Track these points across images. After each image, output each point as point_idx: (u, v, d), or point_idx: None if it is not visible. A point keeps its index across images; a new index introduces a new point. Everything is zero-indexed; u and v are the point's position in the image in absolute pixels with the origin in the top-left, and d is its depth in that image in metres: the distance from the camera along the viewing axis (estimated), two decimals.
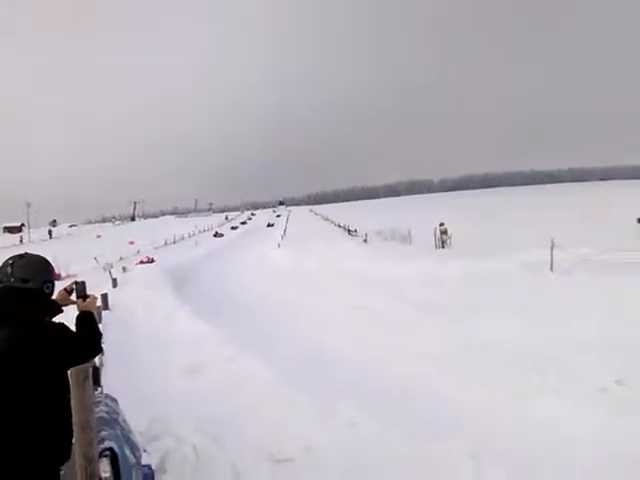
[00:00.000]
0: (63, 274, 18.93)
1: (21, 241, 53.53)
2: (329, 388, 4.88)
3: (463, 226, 23.16)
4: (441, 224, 20.45)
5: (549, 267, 11.32)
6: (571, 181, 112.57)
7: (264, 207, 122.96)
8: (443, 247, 19.91)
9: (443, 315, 8.73)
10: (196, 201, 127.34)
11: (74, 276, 16.80)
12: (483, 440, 3.59)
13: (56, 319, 1.84)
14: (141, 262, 21.39)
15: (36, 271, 1.80)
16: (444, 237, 20.22)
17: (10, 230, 73.84)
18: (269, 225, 52.86)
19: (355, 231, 31.83)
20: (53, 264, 2.03)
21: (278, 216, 75.49)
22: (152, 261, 21.48)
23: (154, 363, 5.89)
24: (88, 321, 1.90)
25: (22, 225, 72.57)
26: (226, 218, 77.97)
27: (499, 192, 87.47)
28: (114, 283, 12.44)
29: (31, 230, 62.31)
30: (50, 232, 63.92)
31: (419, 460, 3.04)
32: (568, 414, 4.36)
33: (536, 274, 10.96)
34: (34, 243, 49.72)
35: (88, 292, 2.07)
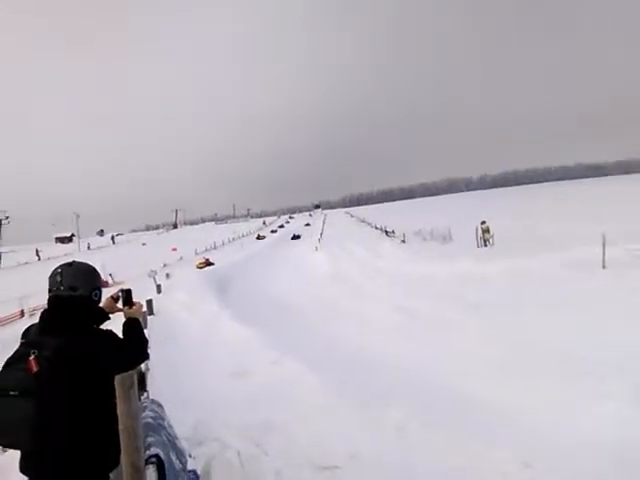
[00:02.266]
0: (110, 281, 19.81)
1: (89, 248, 56.24)
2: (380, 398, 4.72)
3: (506, 223, 22.30)
4: (482, 222, 19.79)
5: (600, 265, 10.62)
6: (619, 173, 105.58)
7: (300, 211, 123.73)
8: (485, 245, 19.28)
9: (488, 316, 8.40)
10: (234, 207, 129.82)
11: (120, 283, 17.53)
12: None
13: (103, 326, 1.87)
14: (200, 264, 23.08)
15: (84, 279, 1.82)
16: (486, 235, 19.58)
17: (62, 240, 77.41)
18: (295, 237, 40.36)
19: (393, 232, 31.35)
20: (101, 272, 2.06)
21: (307, 225, 59.76)
22: (209, 263, 23.15)
23: (196, 367, 6.02)
24: (134, 328, 1.90)
25: (72, 235, 76.11)
26: (264, 223, 78.87)
27: (544, 187, 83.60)
28: (158, 289, 12.86)
29: (80, 239, 65.12)
30: (113, 238, 67.09)
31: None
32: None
33: (586, 272, 10.26)
34: (100, 249, 52.60)
35: (134, 299, 2.07)
